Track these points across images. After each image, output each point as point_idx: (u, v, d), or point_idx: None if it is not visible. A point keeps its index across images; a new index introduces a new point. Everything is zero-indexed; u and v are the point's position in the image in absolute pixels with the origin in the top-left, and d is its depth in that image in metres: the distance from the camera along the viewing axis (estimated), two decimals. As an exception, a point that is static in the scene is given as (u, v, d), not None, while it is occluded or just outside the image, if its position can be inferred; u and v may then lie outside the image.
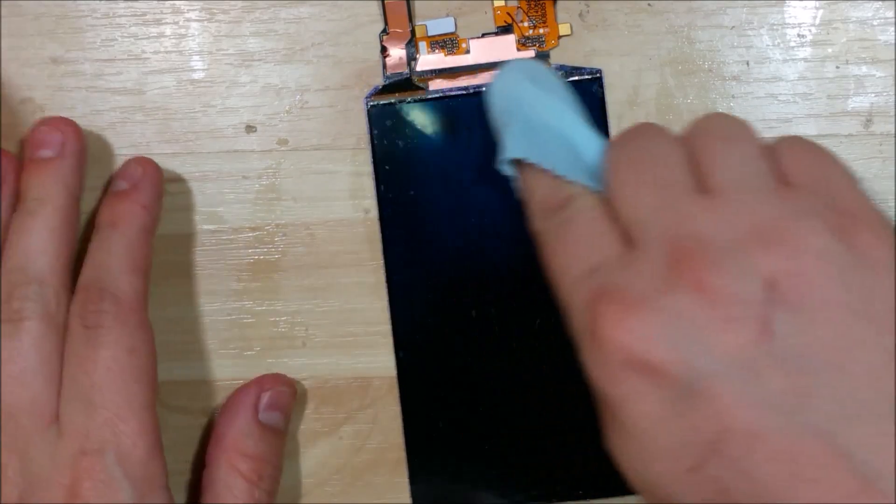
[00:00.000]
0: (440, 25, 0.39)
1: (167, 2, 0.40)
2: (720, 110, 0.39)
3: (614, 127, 0.39)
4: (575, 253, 0.31)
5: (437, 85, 0.39)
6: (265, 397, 0.38)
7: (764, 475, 0.27)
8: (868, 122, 0.39)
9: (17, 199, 0.38)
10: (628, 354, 0.29)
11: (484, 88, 0.39)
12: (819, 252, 0.28)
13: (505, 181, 0.39)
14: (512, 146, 0.34)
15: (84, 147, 0.38)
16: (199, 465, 0.39)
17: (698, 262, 0.29)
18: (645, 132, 0.33)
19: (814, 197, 0.30)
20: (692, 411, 0.28)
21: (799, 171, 0.31)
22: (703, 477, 0.28)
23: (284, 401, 0.39)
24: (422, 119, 0.39)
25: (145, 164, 0.39)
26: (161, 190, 0.39)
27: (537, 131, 0.34)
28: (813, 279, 0.28)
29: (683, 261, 0.29)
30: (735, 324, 0.28)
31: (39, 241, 0.36)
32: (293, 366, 0.40)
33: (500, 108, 0.35)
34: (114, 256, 0.37)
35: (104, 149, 0.40)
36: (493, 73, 0.38)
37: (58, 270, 0.36)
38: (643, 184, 0.31)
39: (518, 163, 0.34)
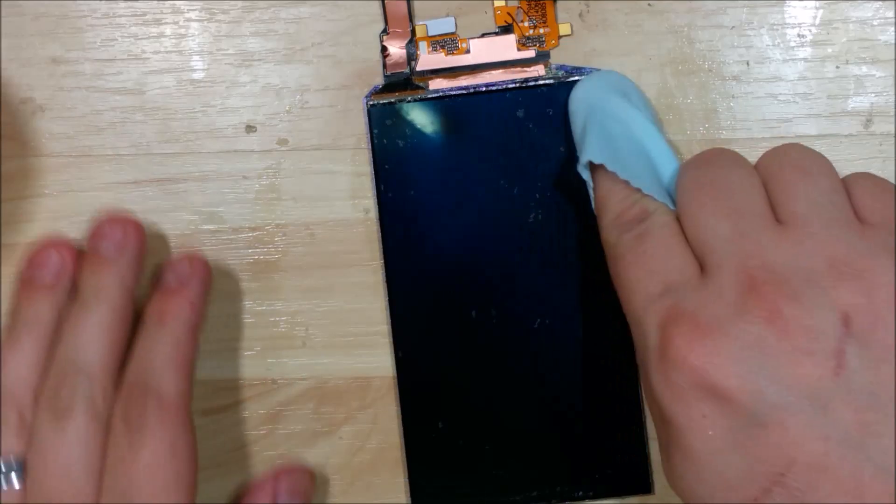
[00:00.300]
0: (440, 25, 0.39)
1: (167, 2, 0.40)
2: (720, 110, 0.39)
3: (614, 127, 0.39)
4: (650, 269, 0.32)
5: (436, 84, 0.39)
6: (283, 485, 0.39)
7: None
8: (868, 122, 0.39)
9: (74, 288, 0.38)
10: (699, 378, 0.29)
11: (483, 88, 0.39)
12: (893, 289, 0.29)
13: (503, 182, 0.39)
14: (593, 150, 0.34)
15: (144, 245, 0.38)
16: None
17: (774, 292, 0.29)
18: (721, 157, 0.33)
19: (888, 234, 0.30)
20: (759, 441, 0.28)
21: (873, 207, 0.31)
22: None
23: (303, 486, 0.39)
24: (421, 119, 0.39)
25: (194, 261, 0.39)
26: (209, 286, 0.39)
27: (618, 141, 0.35)
28: (886, 316, 0.29)
29: (759, 290, 0.29)
30: (809, 356, 0.28)
31: (92, 336, 0.36)
32: (293, 366, 0.40)
33: (582, 112, 0.36)
34: (159, 354, 0.37)
35: (104, 145, 0.40)
36: (576, 79, 0.38)
37: (107, 366, 0.36)
38: (719, 210, 0.31)
39: (595, 170, 0.35)
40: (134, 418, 0.35)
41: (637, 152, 0.34)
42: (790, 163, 0.32)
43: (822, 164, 0.32)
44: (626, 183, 0.34)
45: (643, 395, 0.39)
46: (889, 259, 0.29)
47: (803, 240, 0.30)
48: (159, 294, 0.38)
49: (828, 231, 0.30)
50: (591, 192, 0.36)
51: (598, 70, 0.38)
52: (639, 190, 0.33)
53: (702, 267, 0.31)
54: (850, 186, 0.32)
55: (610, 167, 0.34)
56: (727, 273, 0.30)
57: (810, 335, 0.29)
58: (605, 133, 0.35)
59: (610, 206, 0.34)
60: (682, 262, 0.31)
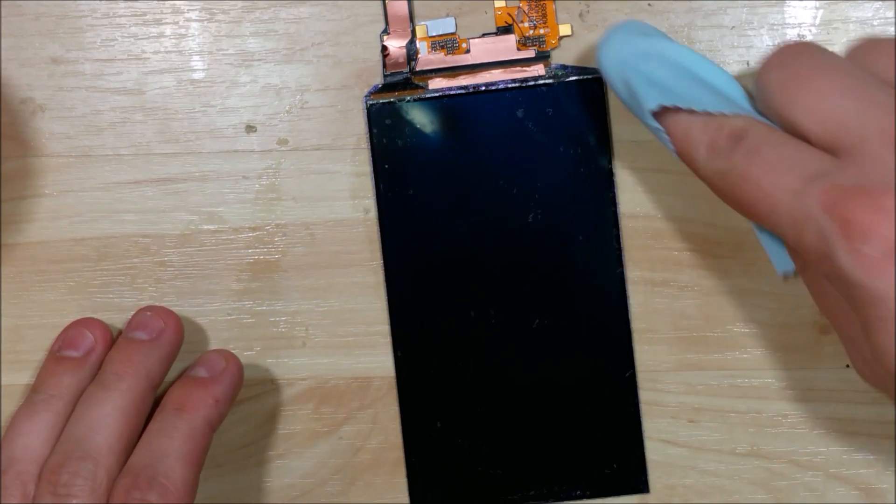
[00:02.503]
0: (440, 25, 0.39)
1: (167, 2, 0.40)
2: (720, 110, 0.39)
3: (615, 128, 0.39)
4: (783, 170, 0.31)
5: (436, 84, 0.39)
6: None
7: None
8: (868, 121, 0.39)
9: (98, 370, 0.38)
10: (889, 243, 0.28)
11: (483, 87, 0.39)
12: None
13: (503, 181, 0.39)
14: (651, 97, 0.33)
15: (179, 343, 0.39)
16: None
17: None
18: (805, 48, 0.32)
19: None
20: None
21: None
22: None
23: None
24: (421, 118, 0.39)
25: (229, 358, 0.39)
26: (238, 388, 0.39)
27: (667, 78, 0.33)
28: None
29: None
30: None
31: (105, 417, 0.36)
32: (293, 366, 0.40)
33: (618, 72, 0.34)
34: (173, 443, 0.36)
35: (104, 146, 0.40)
36: (599, 38, 0.36)
37: (116, 450, 0.36)
38: (836, 91, 0.31)
39: (662, 117, 0.33)
40: None
41: (690, 79, 0.33)
42: (880, 51, 0.32)
43: None
44: (701, 112, 0.32)
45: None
46: None
47: None
48: (185, 381, 0.38)
49: None
50: (666, 142, 0.34)
51: (609, 29, 0.36)
52: (717, 113, 0.32)
53: (833, 152, 0.30)
54: None
55: (676, 104, 0.33)
56: (875, 141, 0.29)
57: None
58: (650, 78, 0.34)
59: (697, 140, 0.33)
60: (811, 153, 0.31)
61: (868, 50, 0.32)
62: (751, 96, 0.34)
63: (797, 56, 0.32)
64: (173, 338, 0.38)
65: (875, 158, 0.29)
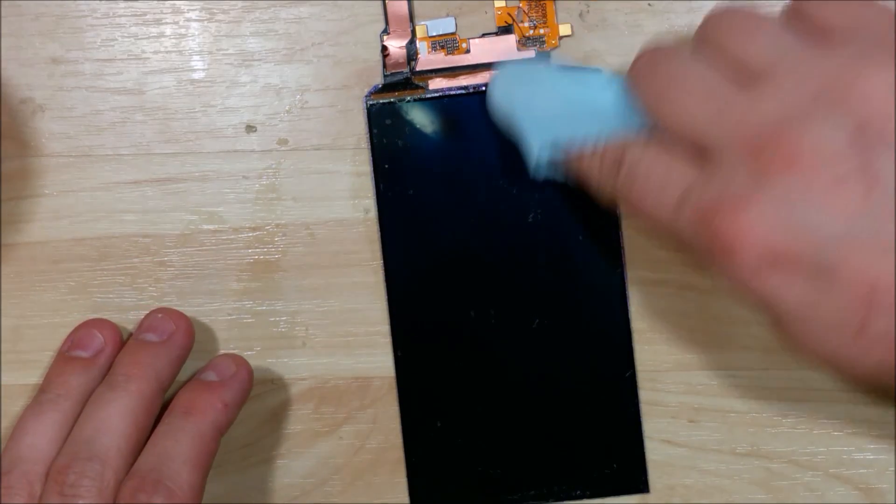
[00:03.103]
0: (440, 25, 0.39)
1: (167, 2, 0.40)
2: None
3: (614, 127, 0.39)
4: (657, 192, 0.32)
5: (436, 84, 0.39)
6: None
7: None
8: (868, 121, 0.39)
9: (108, 370, 0.38)
10: (753, 259, 0.29)
11: (483, 87, 0.39)
12: (885, 85, 0.29)
13: (503, 181, 0.39)
14: (536, 148, 0.35)
15: (189, 346, 0.39)
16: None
17: (779, 142, 0.29)
18: (655, 58, 0.33)
19: (856, 39, 0.30)
20: (835, 281, 0.28)
21: (831, 18, 0.31)
22: (872, 335, 0.28)
23: None
24: (421, 118, 0.39)
25: (239, 363, 0.39)
26: (247, 393, 0.39)
27: (548, 119, 0.35)
28: (891, 111, 0.28)
29: (765, 148, 0.29)
30: (842, 182, 0.28)
31: (113, 418, 0.36)
32: (293, 366, 0.40)
33: (503, 121, 0.36)
34: (180, 446, 0.36)
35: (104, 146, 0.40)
36: (491, 73, 0.38)
37: (123, 452, 0.36)
38: (690, 101, 0.31)
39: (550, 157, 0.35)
40: None
41: (572, 112, 0.35)
42: (725, 29, 0.32)
43: (753, 16, 0.32)
44: (585, 146, 0.34)
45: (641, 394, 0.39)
46: (870, 60, 0.29)
47: (781, 85, 0.30)
48: (194, 385, 0.38)
49: (799, 65, 0.30)
50: (561, 176, 0.36)
51: (491, 79, 0.37)
52: (600, 141, 0.34)
53: (702, 159, 0.31)
54: (801, 10, 0.32)
55: (560, 146, 0.35)
56: (727, 151, 0.30)
57: (831, 161, 0.28)
58: (534, 123, 0.35)
59: (586, 173, 0.34)
60: (680, 169, 0.31)
61: (715, 26, 0.33)
62: None
63: (649, 67, 0.33)
64: (183, 340, 0.38)
65: (732, 166, 0.30)
